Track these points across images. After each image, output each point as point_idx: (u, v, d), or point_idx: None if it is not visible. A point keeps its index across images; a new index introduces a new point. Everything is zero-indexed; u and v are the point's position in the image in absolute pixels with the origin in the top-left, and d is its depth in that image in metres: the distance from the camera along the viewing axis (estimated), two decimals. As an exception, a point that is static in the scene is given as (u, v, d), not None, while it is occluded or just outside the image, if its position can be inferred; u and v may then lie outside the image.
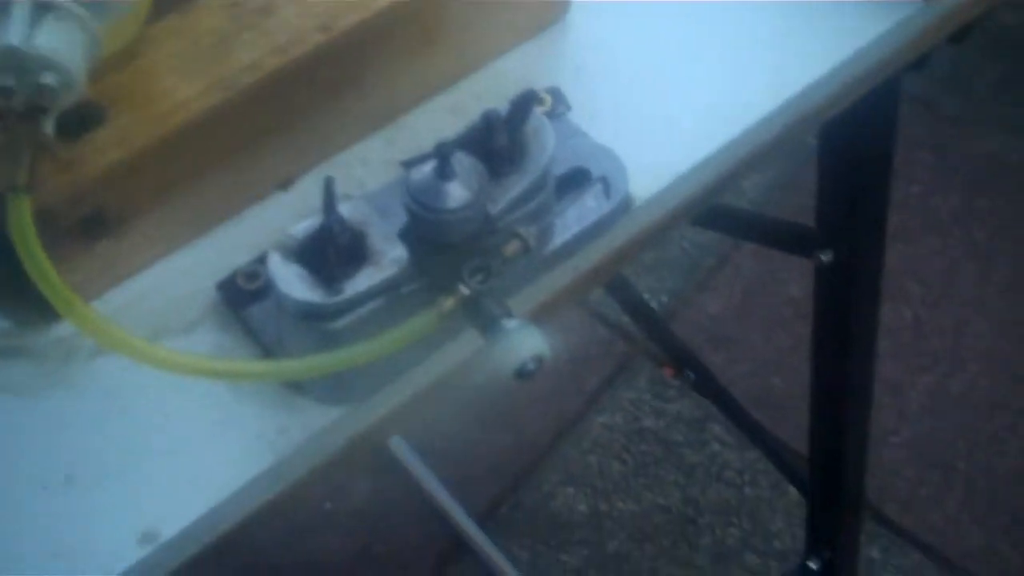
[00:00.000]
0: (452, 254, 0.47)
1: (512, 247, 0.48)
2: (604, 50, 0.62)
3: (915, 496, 1.62)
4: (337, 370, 0.46)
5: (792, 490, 1.61)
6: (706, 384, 1.24)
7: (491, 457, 1.58)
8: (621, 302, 1.27)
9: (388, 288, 0.47)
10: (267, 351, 0.52)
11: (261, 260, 0.53)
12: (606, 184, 0.53)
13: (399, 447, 1.33)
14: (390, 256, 0.47)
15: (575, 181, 0.55)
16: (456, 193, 0.45)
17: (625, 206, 0.56)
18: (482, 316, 0.47)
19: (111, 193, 0.49)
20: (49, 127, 0.46)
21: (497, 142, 0.48)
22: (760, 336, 1.76)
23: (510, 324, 0.46)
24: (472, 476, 1.54)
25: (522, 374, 0.46)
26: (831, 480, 1.14)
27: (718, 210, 1.07)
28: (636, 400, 1.68)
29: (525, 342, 0.46)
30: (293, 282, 0.46)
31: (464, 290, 0.46)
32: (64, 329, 0.52)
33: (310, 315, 0.47)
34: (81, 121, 0.49)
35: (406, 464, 1.36)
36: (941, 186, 1.91)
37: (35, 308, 0.52)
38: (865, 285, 0.95)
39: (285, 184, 0.55)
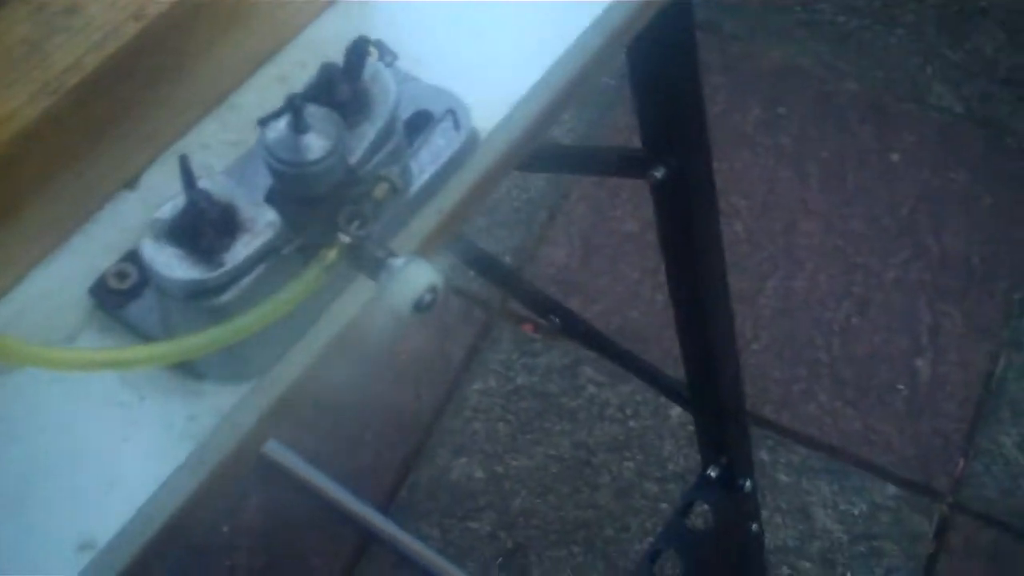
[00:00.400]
0: (323, 208, 0.48)
1: (381, 189, 0.49)
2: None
3: (788, 394, 1.69)
4: (231, 342, 0.46)
5: (672, 414, 1.67)
6: (573, 326, 1.26)
7: (375, 444, 1.58)
8: (470, 263, 1.28)
9: (267, 252, 0.48)
10: (157, 343, 0.52)
11: (127, 258, 0.53)
12: (454, 117, 0.54)
13: (278, 452, 1.32)
14: (263, 221, 0.47)
15: (420, 124, 0.56)
16: (315, 144, 0.45)
17: (473, 140, 0.58)
18: (367, 261, 0.47)
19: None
20: None
21: (340, 94, 0.49)
22: (607, 275, 1.80)
23: (397, 262, 0.47)
24: (361, 467, 1.54)
25: (420, 307, 0.47)
26: (710, 390, 1.18)
27: (545, 150, 1.09)
28: (505, 361, 1.71)
29: (417, 276, 0.47)
30: (172, 264, 0.46)
31: (344, 238, 0.47)
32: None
33: (195, 293, 0.47)
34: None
35: (291, 468, 1.34)
36: (739, 103, 1.99)
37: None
38: (701, 193, 0.98)
39: (131, 182, 0.55)
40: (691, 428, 1.54)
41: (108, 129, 0.52)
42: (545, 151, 1.08)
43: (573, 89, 0.63)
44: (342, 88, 0.48)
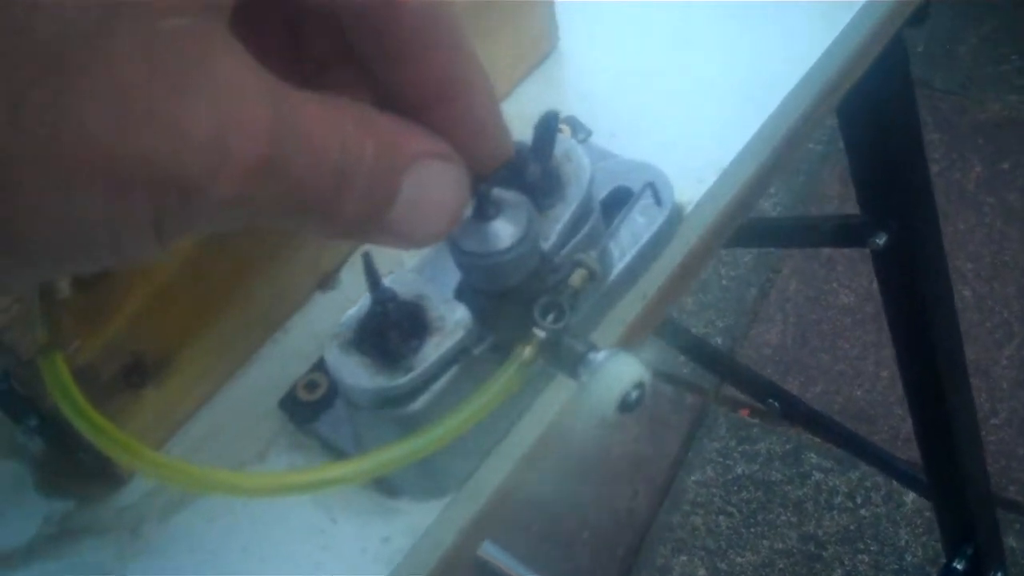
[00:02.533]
0: (516, 300, 0.43)
1: (578, 276, 0.44)
2: (603, 70, 0.59)
3: (1035, 473, 1.55)
4: (429, 453, 0.42)
5: (907, 500, 1.54)
6: (793, 409, 1.19)
7: (592, 542, 1.52)
8: (680, 348, 1.22)
9: (459, 354, 0.44)
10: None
11: (318, 367, 0.50)
12: (654, 191, 0.50)
13: (492, 553, 1.28)
14: (452, 320, 0.43)
15: (618, 202, 0.52)
16: (504, 232, 0.41)
17: (677, 215, 0.53)
18: (566, 357, 0.43)
19: (145, 335, 0.46)
20: (63, 281, 0.43)
21: (530, 175, 0.45)
22: (826, 353, 1.71)
23: (599, 356, 0.42)
24: (579, 568, 1.48)
25: (626, 406, 0.42)
26: (950, 472, 1.08)
27: (754, 224, 1.03)
28: (722, 449, 1.63)
29: (621, 371, 0.42)
30: (358, 373, 0.42)
31: (540, 333, 0.42)
32: (125, 498, 0.48)
33: (385, 402, 0.43)
34: (93, 274, 0.46)
35: (507, 571, 1.30)
36: (958, 160, 1.87)
37: (94, 478, 0.49)
38: (929, 257, 0.90)
39: (324, 283, 0.52)
40: (929, 515, 1.42)
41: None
42: (754, 225, 1.02)
43: (782, 155, 0.58)
44: (532, 168, 0.44)
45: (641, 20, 0.60)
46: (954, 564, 1.11)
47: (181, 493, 0.48)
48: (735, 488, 1.59)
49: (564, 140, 0.47)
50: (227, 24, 0.29)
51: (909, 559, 1.50)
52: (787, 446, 1.62)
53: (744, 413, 1.66)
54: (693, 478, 1.60)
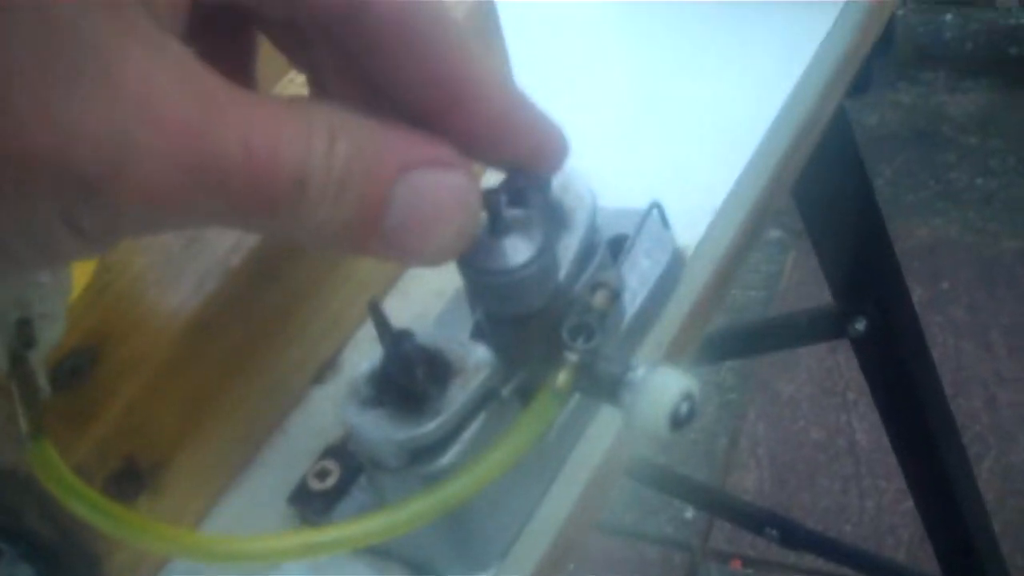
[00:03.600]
0: (539, 331, 0.40)
1: (601, 297, 0.41)
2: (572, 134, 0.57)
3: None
4: (459, 501, 0.37)
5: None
6: (794, 534, 1.14)
7: None
8: (668, 490, 1.17)
9: (486, 396, 0.40)
10: (371, 548, 0.44)
11: (327, 454, 0.45)
12: (660, 212, 0.48)
13: None
14: (474, 359, 0.40)
15: (619, 248, 0.49)
16: (519, 245, 0.38)
17: (679, 258, 0.51)
18: (603, 381, 0.39)
19: (136, 435, 0.42)
20: (41, 376, 0.39)
21: (534, 204, 0.42)
22: (807, 492, 1.67)
23: (639, 373, 0.39)
24: None
25: (679, 422, 0.38)
26: (968, 565, 1.04)
27: (728, 335, 1.01)
28: (720, 605, 1.56)
29: (667, 385, 0.38)
30: (383, 425, 0.38)
31: (572, 356, 0.39)
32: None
33: (412, 456, 0.39)
34: (75, 371, 0.42)
35: None
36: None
37: None
38: (909, 334, 0.89)
39: (321, 374, 0.48)
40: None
41: (288, 312, 0.46)
42: (727, 335, 1.00)
43: (772, 192, 0.56)
44: (535, 198, 0.42)
45: (597, 80, 0.59)
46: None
47: (189, 617, 0.43)
48: (741, 642, 1.51)
49: (561, 172, 0.45)
50: (154, 20, 0.27)
51: None
52: (786, 592, 1.56)
53: (736, 564, 1.60)
54: (696, 639, 1.52)
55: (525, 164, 0.33)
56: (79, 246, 0.27)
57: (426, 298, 0.52)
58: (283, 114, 0.28)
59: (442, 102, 0.32)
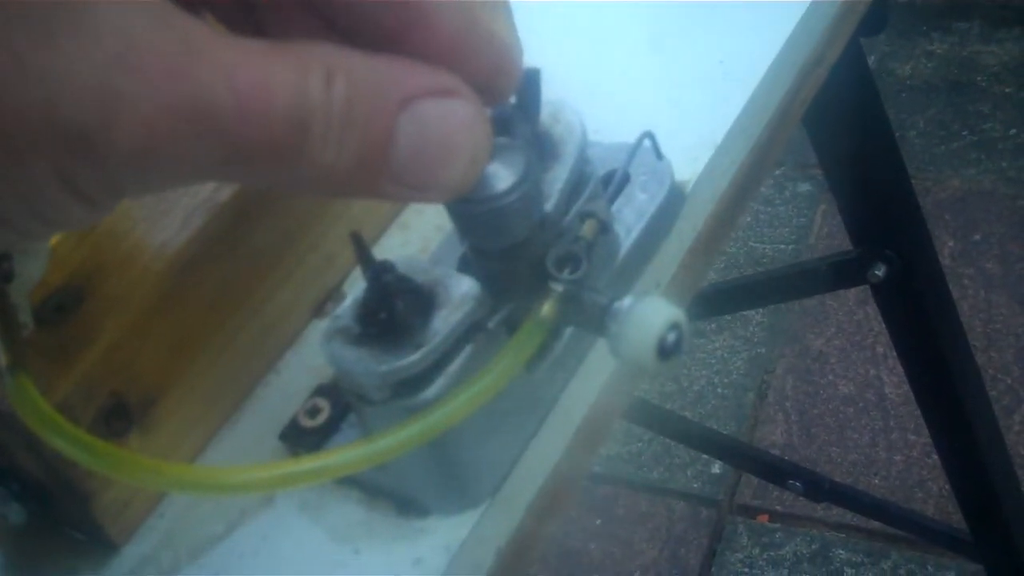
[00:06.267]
0: (525, 261, 0.40)
1: (589, 227, 0.40)
2: (574, 74, 0.56)
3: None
4: (443, 428, 0.37)
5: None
6: (818, 487, 1.13)
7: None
8: (694, 444, 1.17)
9: (472, 328, 0.39)
10: (361, 485, 0.43)
11: (318, 392, 0.45)
12: (652, 142, 0.47)
13: None
14: (459, 292, 0.39)
15: (613, 182, 0.48)
16: (502, 173, 0.38)
17: (679, 194, 0.50)
18: (589, 311, 0.39)
19: (124, 371, 0.42)
20: (24, 312, 0.39)
21: (520, 136, 0.42)
22: (835, 446, 1.65)
23: (625, 303, 0.38)
24: None
25: (666, 351, 0.37)
26: (995, 525, 1.02)
27: (748, 284, 1.00)
28: (746, 559, 1.55)
29: (653, 314, 0.37)
30: (365, 359, 0.38)
31: (557, 286, 0.38)
32: (118, 568, 0.43)
33: (397, 389, 0.38)
34: (60, 308, 0.42)
35: None
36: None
37: (82, 552, 0.43)
38: (931, 279, 0.87)
39: (321, 308, 0.48)
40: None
41: (281, 247, 0.46)
42: (747, 284, 0.99)
43: (776, 131, 0.55)
44: (521, 129, 0.41)
45: (604, 22, 0.58)
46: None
47: (180, 554, 0.43)
48: (768, 596, 1.51)
49: (550, 102, 0.44)
50: None
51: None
52: (813, 546, 1.55)
53: (763, 519, 1.59)
54: (723, 592, 1.52)
55: (480, 86, 0.32)
56: (79, 210, 0.27)
57: (427, 232, 0.51)
58: (273, 54, 0.27)
59: (394, 26, 0.31)
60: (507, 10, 0.34)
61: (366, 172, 0.29)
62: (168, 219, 0.43)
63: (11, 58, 0.24)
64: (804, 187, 1.96)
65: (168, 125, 0.25)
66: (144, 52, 0.25)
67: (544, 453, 0.43)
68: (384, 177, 0.29)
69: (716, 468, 1.65)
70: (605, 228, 0.41)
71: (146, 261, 0.43)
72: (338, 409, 0.44)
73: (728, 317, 1.79)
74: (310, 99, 0.27)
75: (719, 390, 1.73)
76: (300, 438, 0.44)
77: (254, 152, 0.27)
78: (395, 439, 0.36)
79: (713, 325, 1.79)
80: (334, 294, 0.50)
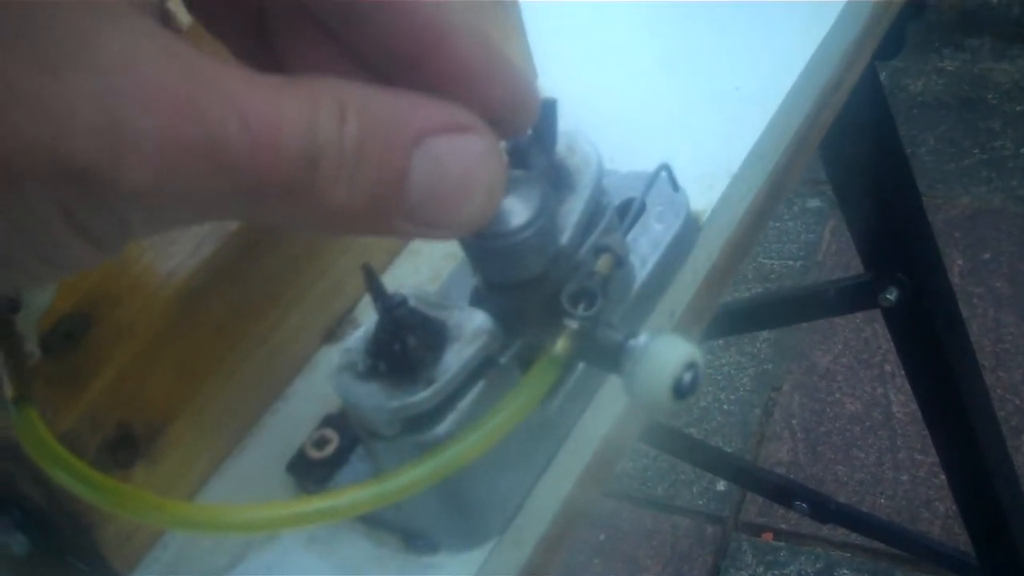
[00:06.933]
0: (539, 296, 0.39)
1: (604, 262, 0.40)
2: (587, 97, 0.56)
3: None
4: (453, 469, 0.36)
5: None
6: (824, 507, 1.12)
7: None
8: (698, 462, 1.16)
9: (484, 364, 0.39)
10: (369, 519, 0.43)
11: (326, 423, 0.44)
12: (669, 174, 0.46)
13: None
14: (472, 326, 0.39)
15: (629, 212, 0.48)
16: (517, 208, 0.37)
17: (694, 223, 0.49)
18: (604, 348, 0.38)
19: (130, 401, 0.41)
20: (31, 342, 0.38)
21: (536, 167, 0.41)
22: (841, 464, 1.65)
23: (641, 341, 0.38)
24: None
25: (682, 391, 0.37)
26: (1004, 552, 1.01)
27: (756, 305, 0.99)
28: (751, 578, 1.54)
29: (669, 353, 0.37)
30: (376, 394, 0.37)
31: (572, 323, 0.38)
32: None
33: (407, 425, 0.38)
34: (67, 336, 0.41)
35: None
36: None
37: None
38: (943, 303, 0.86)
39: (331, 334, 0.47)
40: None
41: (286, 280, 0.45)
42: (754, 306, 0.98)
43: (793, 157, 0.55)
44: (537, 161, 0.40)
45: (618, 46, 0.58)
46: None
47: (186, 586, 0.42)
48: (772, 615, 1.50)
49: (566, 132, 0.43)
50: (131, 6, 0.26)
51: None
52: (818, 565, 1.54)
53: (768, 537, 1.59)
54: (727, 611, 1.51)
55: (498, 118, 0.31)
56: (85, 251, 0.26)
57: (436, 261, 0.51)
58: (283, 88, 0.26)
59: (412, 51, 0.31)
60: (522, 34, 0.33)
61: (379, 210, 0.28)
62: (177, 247, 0.43)
63: (10, 90, 0.23)
64: (813, 203, 1.95)
65: (177, 162, 0.25)
66: (152, 84, 0.24)
67: (554, 488, 0.43)
68: (398, 216, 0.29)
69: (721, 485, 1.64)
70: (621, 262, 0.40)
71: (154, 288, 0.42)
72: (347, 440, 0.44)
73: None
74: (321, 135, 0.26)
75: (725, 407, 1.73)
76: (308, 470, 0.43)
77: (264, 190, 0.26)
78: (406, 479, 0.35)
79: (720, 342, 1.79)
80: (345, 319, 0.49)
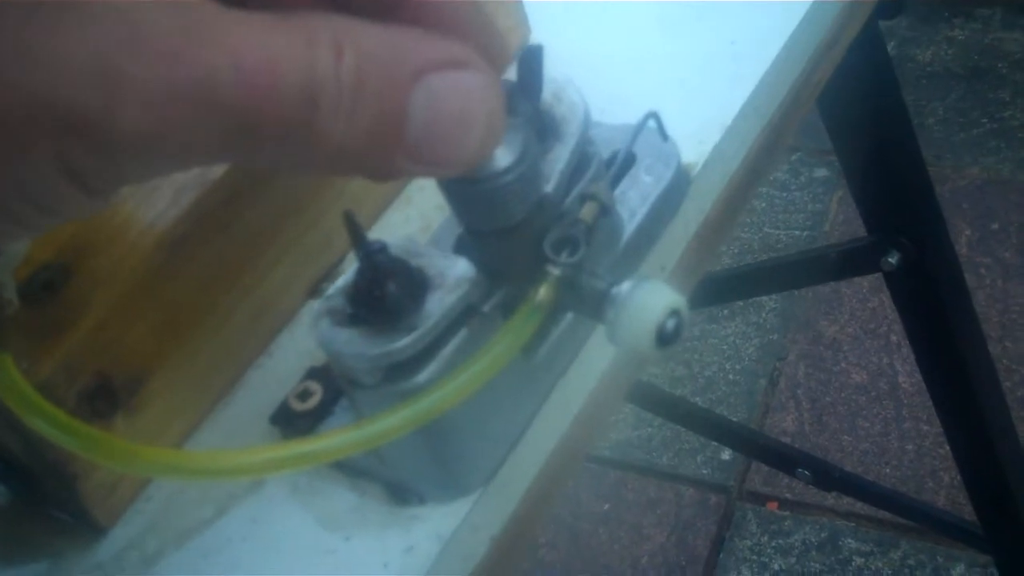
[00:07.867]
0: (523, 243, 0.38)
1: (589, 210, 0.39)
2: (581, 52, 0.55)
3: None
4: (435, 414, 0.35)
5: (955, 573, 1.46)
6: (827, 475, 1.11)
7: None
8: (701, 430, 1.16)
9: (466, 311, 0.38)
10: (353, 470, 0.42)
11: (310, 375, 0.44)
12: (657, 122, 0.45)
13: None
14: (454, 274, 0.38)
15: (619, 165, 0.47)
16: (498, 153, 0.36)
17: (684, 176, 0.48)
18: (587, 295, 0.37)
19: (109, 351, 0.41)
20: (9, 290, 0.38)
21: (521, 114, 0.40)
22: (847, 434, 1.64)
23: (624, 288, 0.37)
24: None
25: (665, 338, 0.36)
26: (1009, 519, 1.01)
27: (758, 271, 0.99)
28: (755, 547, 1.54)
29: (652, 300, 0.36)
30: (356, 341, 0.37)
31: (554, 270, 0.37)
32: (104, 551, 0.42)
33: (388, 374, 0.37)
34: (46, 285, 0.40)
35: None
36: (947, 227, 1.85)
37: (68, 533, 0.43)
38: (946, 267, 0.85)
39: (317, 289, 0.47)
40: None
41: (272, 231, 0.45)
42: (757, 272, 0.98)
43: (788, 113, 0.54)
44: (522, 108, 0.40)
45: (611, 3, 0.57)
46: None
47: (167, 538, 0.42)
48: (775, 584, 1.50)
49: (553, 80, 0.42)
50: None
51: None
52: (822, 534, 1.54)
53: (772, 506, 1.58)
54: (730, 579, 1.51)
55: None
56: (81, 199, 0.26)
57: (427, 211, 0.50)
58: (278, 28, 0.26)
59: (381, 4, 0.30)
60: None
61: (380, 148, 0.28)
62: (158, 195, 0.42)
63: (8, 40, 0.23)
64: (820, 172, 1.94)
65: (172, 107, 0.24)
66: (146, 33, 0.24)
67: (540, 441, 0.42)
68: (398, 153, 0.28)
69: (726, 454, 1.64)
70: (606, 211, 0.40)
71: (135, 238, 0.41)
72: (330, 392, 0.43)
73: (740, 303, 1.78)
74: (319, 73, 0.26)
75: (730, 376, 1.72)
76: (291, 422, 0.43)
77: (262, 131, 0.26)
78: (385, 424, 0.35)
79: (725, 311, 1.78)
80: (333, 274, 0.49)
